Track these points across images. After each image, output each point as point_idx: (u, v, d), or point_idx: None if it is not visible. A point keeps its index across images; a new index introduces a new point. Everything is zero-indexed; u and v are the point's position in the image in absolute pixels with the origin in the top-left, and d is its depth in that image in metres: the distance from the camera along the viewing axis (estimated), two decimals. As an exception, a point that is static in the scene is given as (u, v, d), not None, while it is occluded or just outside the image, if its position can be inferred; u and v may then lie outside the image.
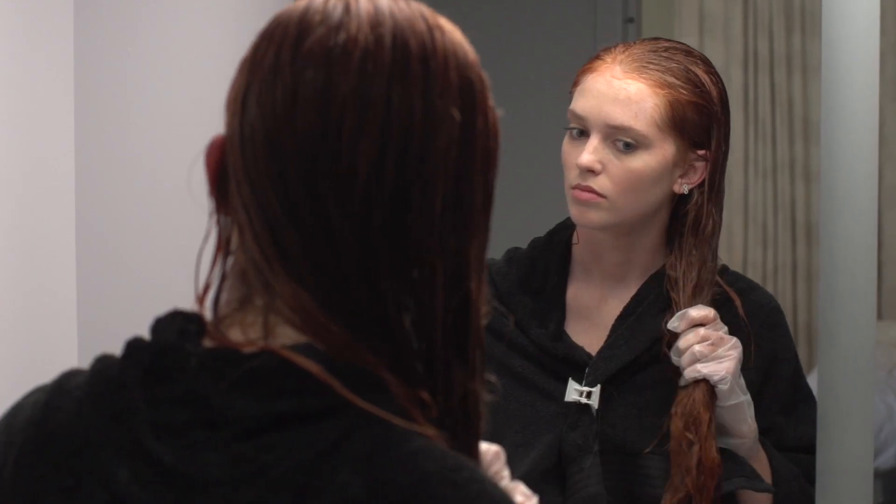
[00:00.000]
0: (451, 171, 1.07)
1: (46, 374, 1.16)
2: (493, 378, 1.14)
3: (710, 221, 1.97)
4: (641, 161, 1.93)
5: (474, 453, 1.10)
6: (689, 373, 1.90)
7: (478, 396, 1.10)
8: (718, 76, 2.00)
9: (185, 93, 2.45)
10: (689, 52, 1.98)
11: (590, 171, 1.93)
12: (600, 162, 1.93)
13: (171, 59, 2.39)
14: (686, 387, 1.92)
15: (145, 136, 2.40)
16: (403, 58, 1.07)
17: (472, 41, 1.13)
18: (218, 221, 1.11)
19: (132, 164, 2.43)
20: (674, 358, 1.93)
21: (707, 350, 1.90)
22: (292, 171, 1.06)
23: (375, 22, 1.08)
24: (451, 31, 1.11)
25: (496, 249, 2.12)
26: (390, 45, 1.07)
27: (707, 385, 1.91)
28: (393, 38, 1.07)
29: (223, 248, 1.10)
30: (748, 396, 1.94)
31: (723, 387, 1.90)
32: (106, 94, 2.43)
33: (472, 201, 1.09)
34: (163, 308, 1.12)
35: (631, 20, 5.01)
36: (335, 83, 1.06)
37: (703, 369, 1.90)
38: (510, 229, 2.82)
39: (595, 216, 1.95)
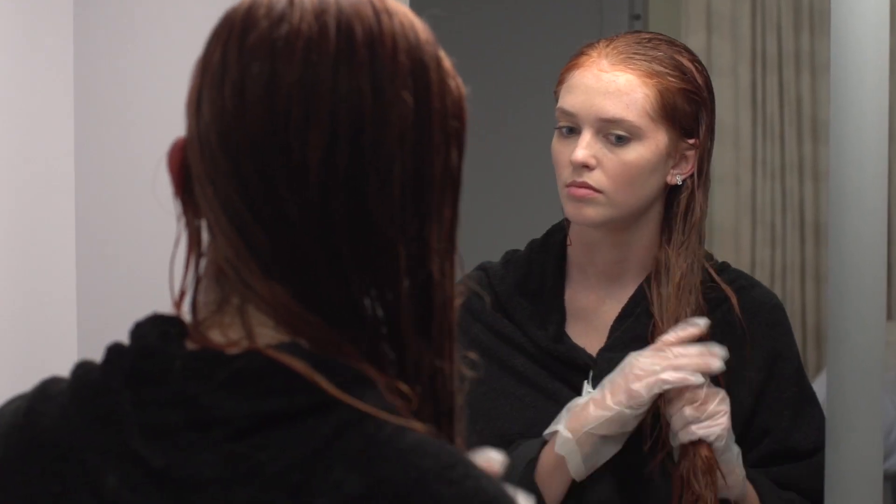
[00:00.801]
0: (408, 156, 1.06)
1: (46, 374, 1.16)
2: (472, 355, 1.13)
3: (699, 208, 1.96)
4: (635, 153, 1.92)
5: (450, 434, 1.09)
6: (685, 436, 1.87)
7: (445, 375, 1.09)
8: (702, 64, 1.99)
9: (185, 93, 2.43)
10: (671, 41, 1.98)
11: (584, 167, 1.92)
12: (594, 157, 1.92)
13: (171, 59, 2.38)
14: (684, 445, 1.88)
15: (145, 136, 2.40)
16: (349, 44, 1.06)
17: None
18: (187, 223, 1.10)
19: (132, 164, 2.42)
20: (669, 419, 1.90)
21: (698, 412, 1.87)
22: (247, 167, 1.05)
23: (320, 10, 1.07)
24: (402, 14, 1.10)
25: (495, 252, 2.11)
26: (335, 32, 1.06)
27: (704, 442, 1.88)
28: (337, 26, 1.06)
29: (195, 249, 1.10)
30: (737, 448, 1.91)
31: (719, 444, 1.87)
32: (106, 94, 2.43)
33: (431, 184, 1.08)
34: (162, 308, 1.12)
35: (637, 17, 5.00)
36: (280, 75, 1.05)
37: (699, 431, 1.87)
38: (511, 231, 2.80)
39: (592, 212, 1.93)
